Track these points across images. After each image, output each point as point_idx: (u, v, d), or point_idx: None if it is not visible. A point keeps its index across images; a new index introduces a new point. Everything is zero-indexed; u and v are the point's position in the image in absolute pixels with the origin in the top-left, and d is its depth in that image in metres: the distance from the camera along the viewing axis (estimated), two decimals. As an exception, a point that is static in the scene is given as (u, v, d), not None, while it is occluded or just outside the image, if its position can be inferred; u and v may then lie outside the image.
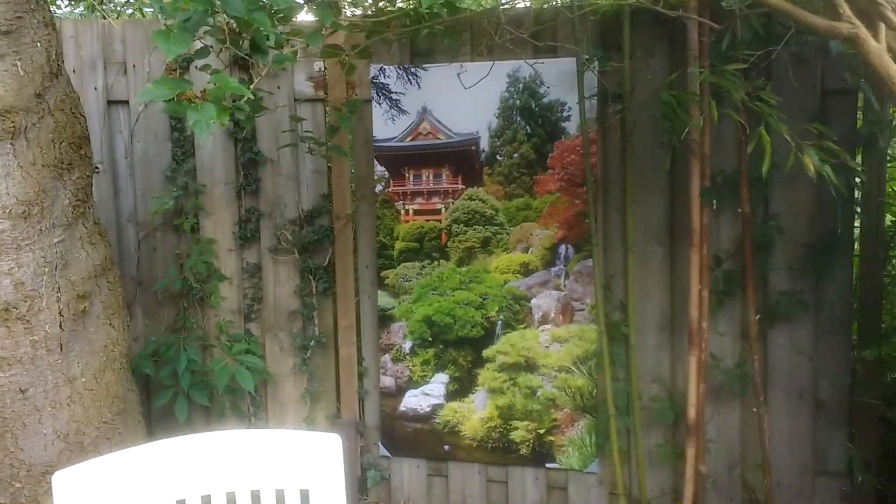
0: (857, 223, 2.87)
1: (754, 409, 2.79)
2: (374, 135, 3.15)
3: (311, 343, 3.29)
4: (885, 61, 1.75)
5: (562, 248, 3.03)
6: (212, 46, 1.91)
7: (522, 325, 3.09)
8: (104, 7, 5.15)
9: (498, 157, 3.05)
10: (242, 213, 3.31)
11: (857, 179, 2.71)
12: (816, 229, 2.79)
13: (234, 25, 1.73)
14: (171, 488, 1.63)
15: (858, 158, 2.81)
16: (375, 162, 3.17)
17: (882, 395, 2.85)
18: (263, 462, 1.68)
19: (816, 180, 2.30)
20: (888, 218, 2.95)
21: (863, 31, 1.78)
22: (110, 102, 3.35)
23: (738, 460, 2.96)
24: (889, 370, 2.95)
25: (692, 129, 2.58)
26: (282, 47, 2.03)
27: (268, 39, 1.69)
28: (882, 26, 1.80)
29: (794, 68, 2.68)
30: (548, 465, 3.11)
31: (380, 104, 3.12)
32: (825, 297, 2.81)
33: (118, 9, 5.38)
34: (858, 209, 2.78)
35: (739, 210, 2.75)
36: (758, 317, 2.76)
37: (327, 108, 3.17)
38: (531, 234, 3.05)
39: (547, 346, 3.08)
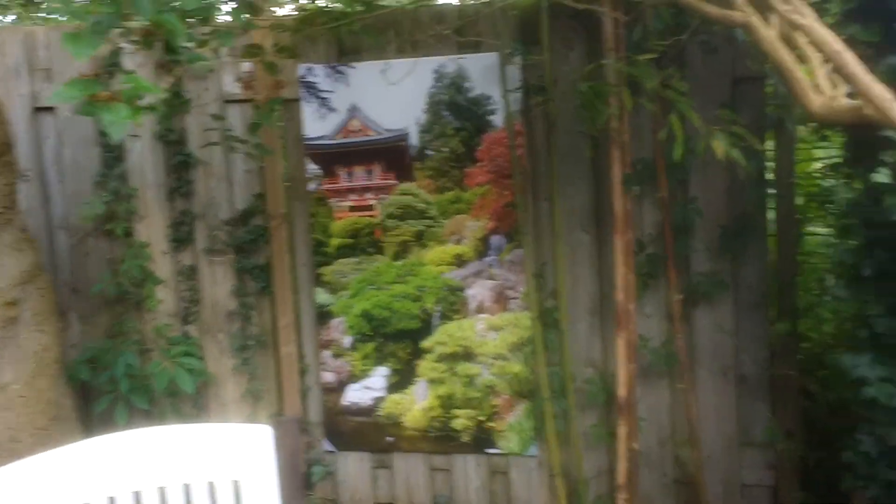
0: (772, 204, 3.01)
1: (680, 387, 2.91)
2: (306, 133, 3.18)
3: (251, 343, 3.31)
4: (775, 47, 1.85)
5: (494, 239, 3.11)
6: (125, 48, 1.92)
7: (459, 316, 3.16)
8: (34, 14, 5.06)
9: (428, 151, 3.11)
10: (175, 216, 3.31)
11: (769, 162, 2.85)
12: (733, 211, 2.91)
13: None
14: (102, 486, 1.65)
15: (771, 143, 2.95)
16: (308, 160, 3.21)
17: (799, 367, 2.99)
18: (194, 456, 1.71)
19: (731, 164, 2.41)
20: (800, 199, 3.09)
21: (755, 20, 1.88)
22: (36, 109, 3.31)
23: (668, 437, 3.07)
24: (805, 343, 3.09)
25: (611, 119, 2.67)
26: (203, 47, 2.05)
27: (188, 40, 1.72)
28: (776, 15, 1.91)
29: (705, 57, 2.81)
30: (489, 450, 3.19)
31: (310, 103, 3.15)
32: (743, 276, 2.95)
33: (49, 16, 5.28)
34: (771, 191, 2.92)
35: (661, 196, 2.86)
36: (680, 297, 2.88)
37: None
38: (463, 226, 3.12)
39: (483, 335, 3.15)
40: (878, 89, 1.69)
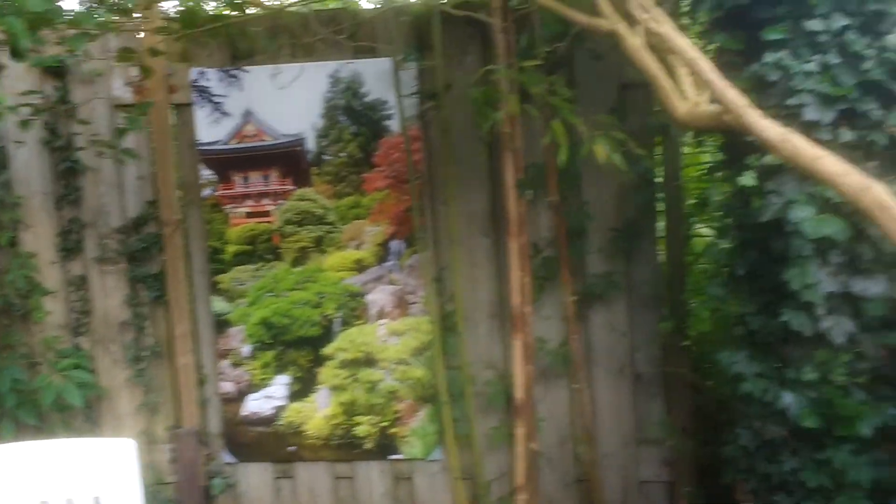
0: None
1: (575, 386, 2.96)
2: (199, 138, 3.11)
3: (146, 354, 3.22)
4: (640, 55, 1.91)
5: (394, 244, 3.10)
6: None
7: (360, 322, 3.14)
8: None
9: (325, 156, 3.08)
10: (64, 224, 3.19)
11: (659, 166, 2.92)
12: (624, 214, 2.98)
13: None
14: (-49, 508, 1.58)
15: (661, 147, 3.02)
16: (202, 166, 3.14)
17: (691, 364, 3.08)
18: (54, 472, 1.64)
19: (622, 168, 2.47)
20: (691, 202, 3.18)
21: (622, 28, 1.93)
22: (-87, 113, 3.15)
23: (568, 436, 3.12)
24: (691, 341, 3.18)
25: (504, 124, 2.70)
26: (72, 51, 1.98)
27: (39, 43, 1.65)
28: (640, 24, 1.96)
29: (593, 63, 2.86)
30: (393, 456, 3.18)
31: (203, 107, 3.09)
32: (636, 277, 3.01)
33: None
34: (660, 194, 2.99)
35: (552, 199, 2.90)
36: (573, 298, 2.92)
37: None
38: (363, 232, 3.11)
39: (385, 340, 3.14)
40: (732, 95, 1.75)
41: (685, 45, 1.73)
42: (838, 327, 2.16)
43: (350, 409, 3.17)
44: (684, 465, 3.07)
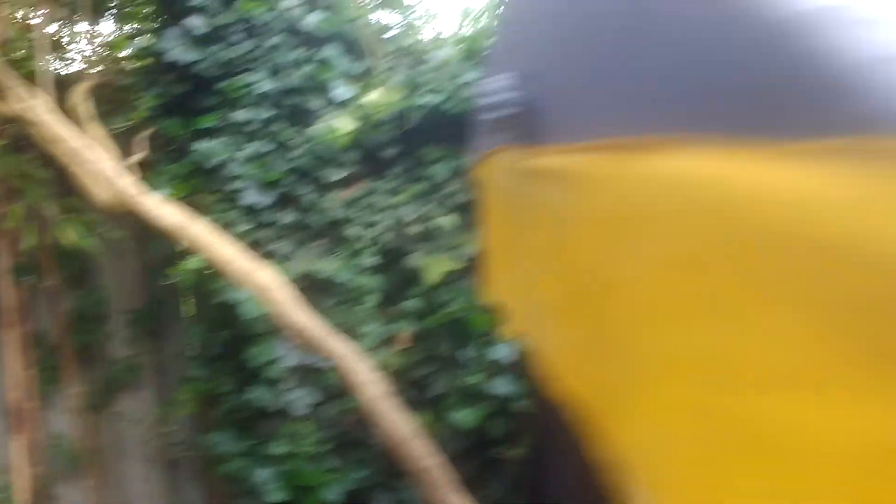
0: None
1: (89, 483, 2.77)
2: None
3: None
4: (50, 144, 1.85)
5: None
6: None
7: None
8: None
9: None
10: None
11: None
12: (146, 295, 2.89)
13: None
14: None
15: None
16: None
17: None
18: None
19: (143, 248, 2.38)
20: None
21: (30, 114, 1.87)
22: None
23: (105, 538, 2.90)
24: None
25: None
26: None
27: None
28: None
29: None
30: None
31: None
32: (162, 360, 2.93)
33: None
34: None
35: (51, 284, 2.73)
36: (80, 390, 2.76)
37: None
38: None
39: None
40: (123, 184, 1.77)
41: (68, 134, 1.71)
42: (300, 399, 2.26)
43: None
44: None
